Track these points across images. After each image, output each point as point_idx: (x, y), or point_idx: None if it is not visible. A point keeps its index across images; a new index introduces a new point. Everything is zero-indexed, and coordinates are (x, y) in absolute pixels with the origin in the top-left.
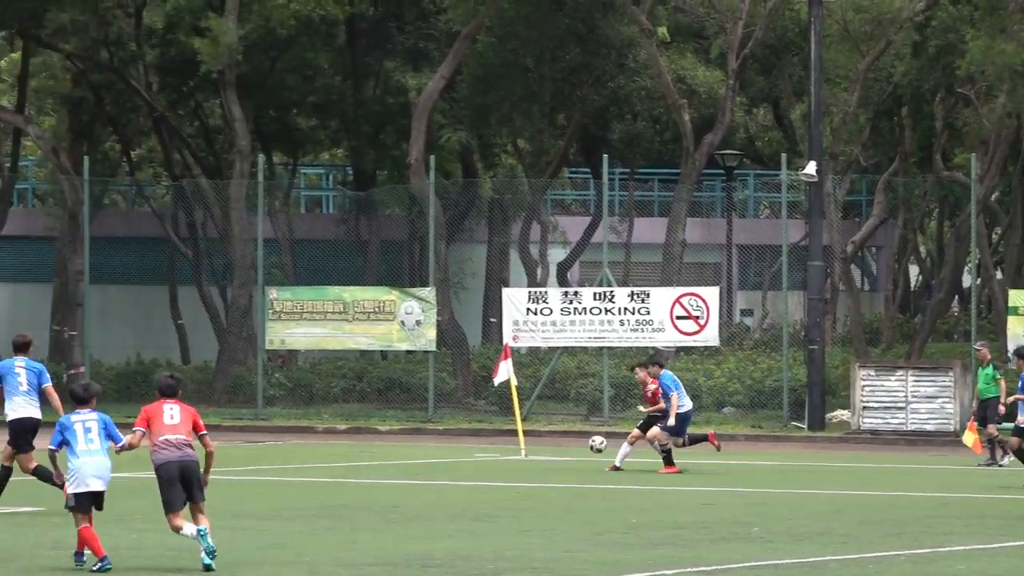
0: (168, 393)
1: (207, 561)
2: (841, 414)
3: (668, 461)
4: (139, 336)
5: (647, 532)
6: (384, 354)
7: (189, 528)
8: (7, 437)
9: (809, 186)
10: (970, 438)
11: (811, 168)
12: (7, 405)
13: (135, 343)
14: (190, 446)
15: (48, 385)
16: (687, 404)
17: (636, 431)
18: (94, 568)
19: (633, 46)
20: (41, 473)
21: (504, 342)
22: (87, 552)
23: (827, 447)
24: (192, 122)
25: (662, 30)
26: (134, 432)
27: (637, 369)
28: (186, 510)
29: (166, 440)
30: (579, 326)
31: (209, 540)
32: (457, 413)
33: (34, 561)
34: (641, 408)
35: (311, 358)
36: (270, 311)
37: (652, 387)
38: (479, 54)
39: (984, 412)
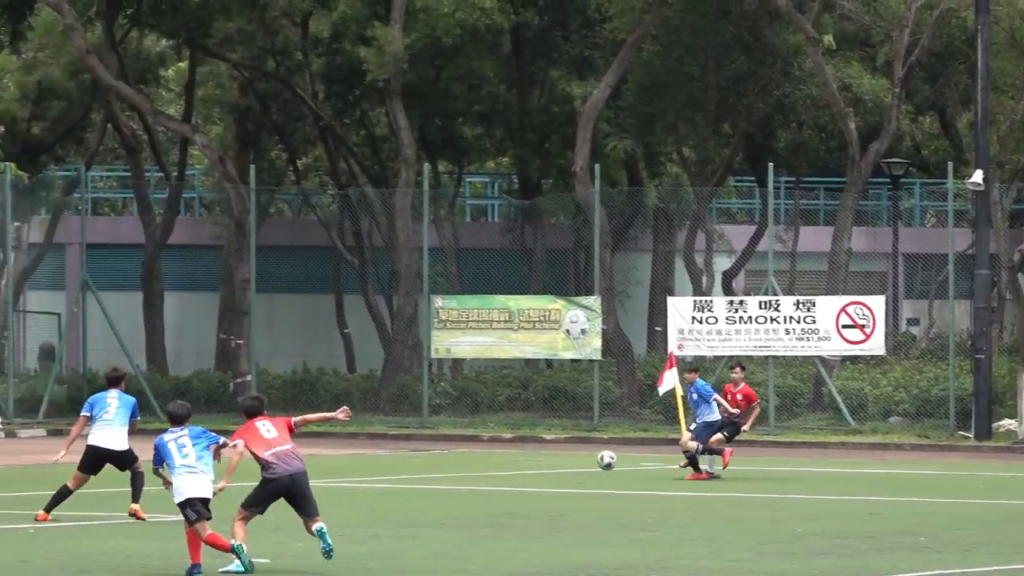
0: (255, 413)
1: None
2: (1008, 423)
3: (695, 467)
4: (305, 345)
5: (812, 541)
6: (549, 363)
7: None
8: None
9: (976, 195)
10: None
11: (978, 176)
12: (92, 432)
13: (301, 352)
14: (298, 457)
15: (136, 420)
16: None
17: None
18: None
19: (799, 54)
20: None
21: (669, 351)
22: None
23: (993, 456)
24: (358, 131)
25: (828, 38)
26: (235, 445)
27: (738, 369)
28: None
29: (274, 454)
30: (744, 335)
31: (328, 539)
32: (622, 422)
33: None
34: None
35: (476, 367)
36: (435, 320)
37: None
38: (644, 62)
39: None
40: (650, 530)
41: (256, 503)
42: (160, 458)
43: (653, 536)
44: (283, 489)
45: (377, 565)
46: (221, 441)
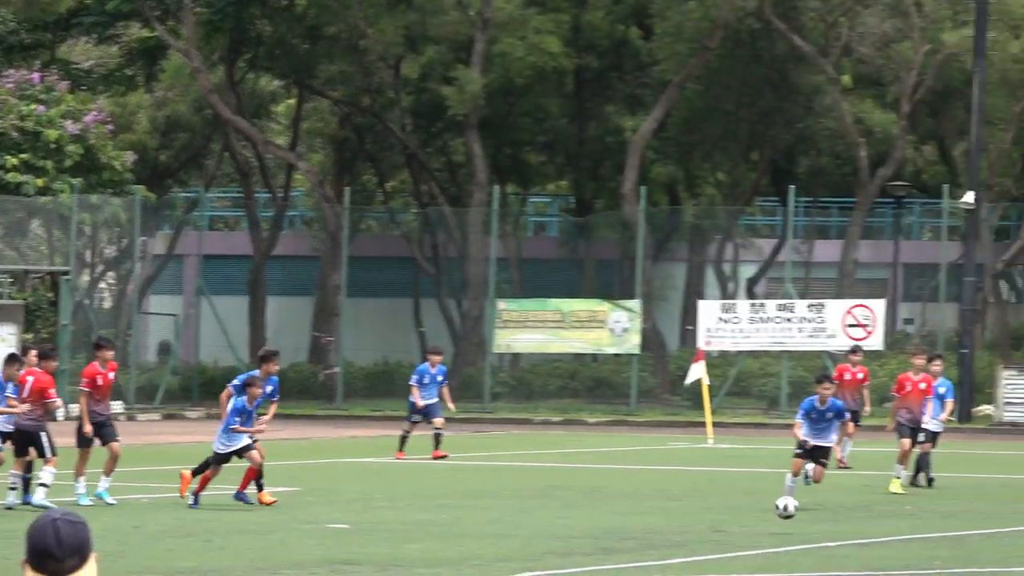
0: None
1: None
2: (986, 409)
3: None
4: (386, 342)
5: (814, 510)
6: (594, 357)
7: None
8: None
9: (967, 213)
10: None
11: (969, 197)
12: None
13: (383, 348)
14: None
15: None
16: None
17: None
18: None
19: (819, 92)
20: None
21: (698, 346)
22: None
23: (973, 437)
24: (438, 158)
25: (846, 78)
26: None
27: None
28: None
29: None
30: (763, 333)
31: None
32: (655, 407)
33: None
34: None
35: (532, 360)
36: (498, 320)
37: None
38: (687, 99)
39: None
40: (676, 499)
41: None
42: None
43: (678, 505)
44: None
45: (440, 530)
46: None
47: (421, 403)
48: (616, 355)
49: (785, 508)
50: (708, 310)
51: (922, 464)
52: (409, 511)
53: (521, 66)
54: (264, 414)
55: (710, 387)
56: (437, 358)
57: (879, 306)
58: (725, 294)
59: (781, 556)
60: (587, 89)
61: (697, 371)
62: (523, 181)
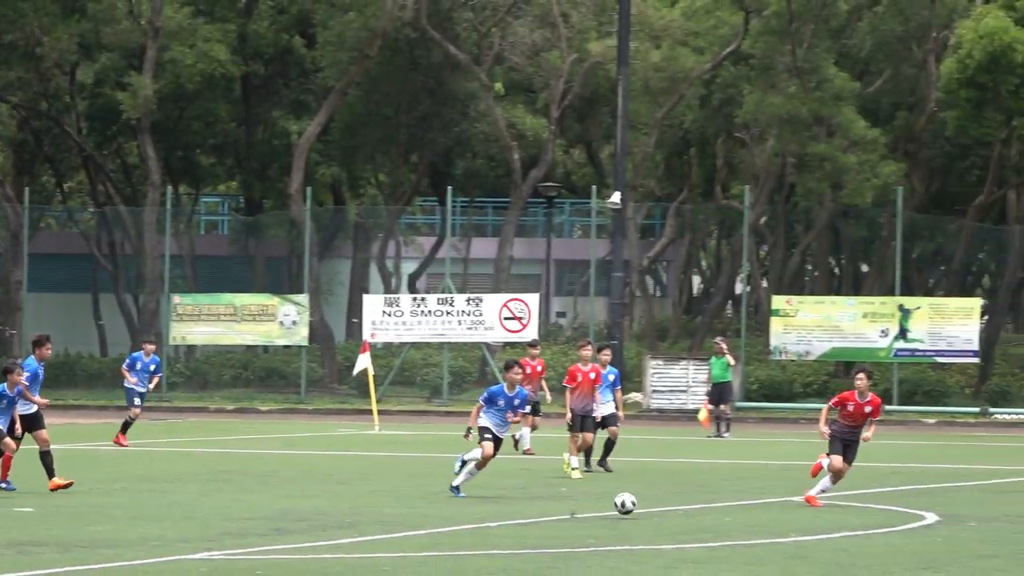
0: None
1: None
2: (635, 396)
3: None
4: (67, 335)
5: (478, 491)
6: (266, 348)
7: None
8: None
9: (614, 212)
10: (703, 414)
11: (616, 197)
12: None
13: (64, 340)
14: None
15: None
16: None
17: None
18: None
19: (474, 98)
20: None
21: (364, 338)
22: None
23: (623, 424)
24: (114, 160)
25: (498, 85)
26: None
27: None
28: None
29: None
30: (425, 325)
31: None
32: (324, 396)
33: None
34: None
35: (206, 351)
36: (174, 313)
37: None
38: (349, 105)
39: (719, 394)
40: (344, 483)
41: None
42: None
43: (347, 488)
44: None
45: (122, 513)
46: None
47: (140, 388)
48: (286, 346)
49: (623, 504)
50: (372, 304)
51: (608, 448)
52: (91, 495)
53: (191, 72)
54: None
55: (375, 377)
56: (151, 347)
57: (533, 300)
58: (388, 289)
59: (445, 535)
60: (254, 95)
61: (363, 361)
62: (195, 182)
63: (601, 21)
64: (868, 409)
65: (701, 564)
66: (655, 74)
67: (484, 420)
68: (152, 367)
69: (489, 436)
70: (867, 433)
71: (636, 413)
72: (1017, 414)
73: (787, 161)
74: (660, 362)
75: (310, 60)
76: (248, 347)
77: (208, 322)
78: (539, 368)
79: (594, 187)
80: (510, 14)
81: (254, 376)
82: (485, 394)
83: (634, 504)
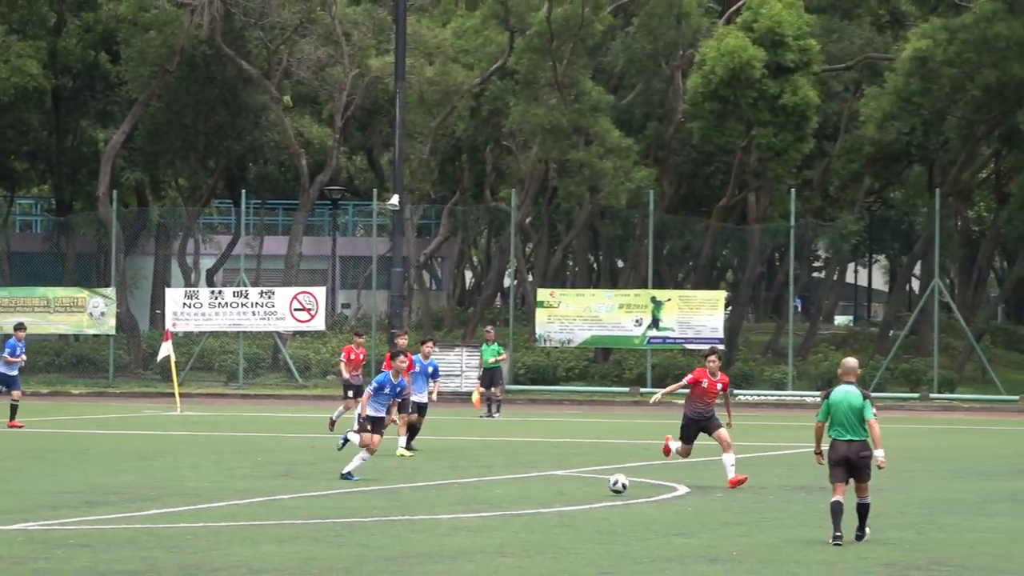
0: None
1: None
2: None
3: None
4: None
5: (270, 467)
6: (77, 337)
7: None
8: None
9: (393, 213)
10: (475, 396)
11: (395, 200)
12: None
13: None
14: None
15: None
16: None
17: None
18: None
19: (265, 109)
20: None
21: (166, 328)
22: None
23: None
24: None
25: (287, 98)
26: None
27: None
28: None
29: None
30: (222, 316)
31: None
32: (131, 380)
33: None
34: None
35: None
36: None
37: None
38: (151, 115)
39: (490, 378)
40: (150, 459)
41: None
42: None
43: (152, 464)
44: None
45: None
46: None
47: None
48: (95, 335)
49: (616, 483)
50: (174, 297)
51: (413, 432)
52: None
53: (5, 86)
54: None
55: (177, 363)
56: (22, 333)
57: (321, 293)
58: (188, 283)
59: (242, 507)
60: (64, 106)
61: (166, 349)
62: (10, 185)
63: (380, 39)
64: (719, 386)
65: (475, 532)
66: (429, 88)
67: (371, 408)
68: (21, 352)
69: (372, 426)
70: (729, 421)
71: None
72: (758, 395)
73: (549, 167)
74: (436, 349)
75: (115, 74)
76: (60, 336)
77: (23, 313)
78: (362, 356)
79: (375, 190)
80: (297, 33)
81: (66, 362)
82: (374, 384)
83: (625, 487)
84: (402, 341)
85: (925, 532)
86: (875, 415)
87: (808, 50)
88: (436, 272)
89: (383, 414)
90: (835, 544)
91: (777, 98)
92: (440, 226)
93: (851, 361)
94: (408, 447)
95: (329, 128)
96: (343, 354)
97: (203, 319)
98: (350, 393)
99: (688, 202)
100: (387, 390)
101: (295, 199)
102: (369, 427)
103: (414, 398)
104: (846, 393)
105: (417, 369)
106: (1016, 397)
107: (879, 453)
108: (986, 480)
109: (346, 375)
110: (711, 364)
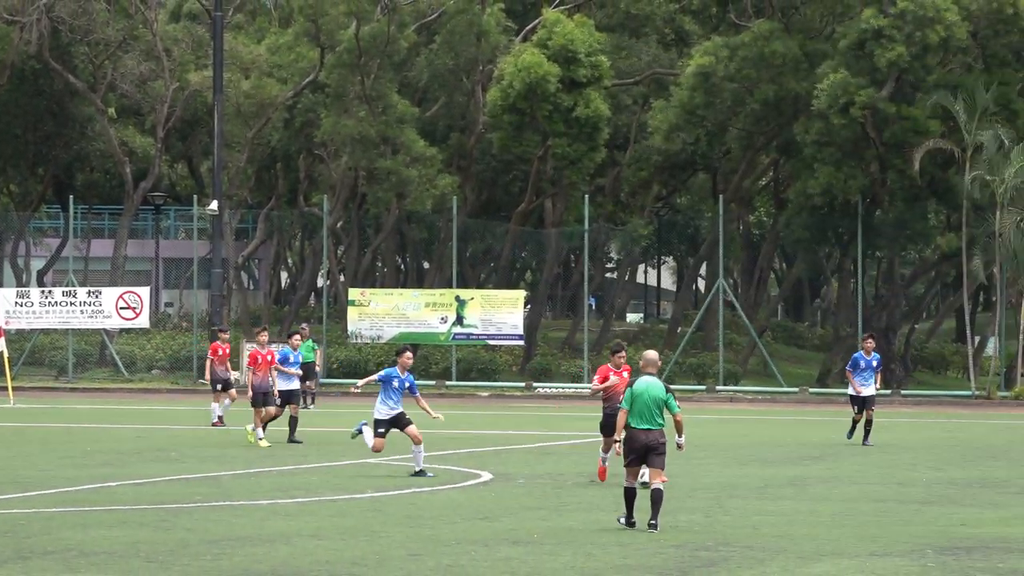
0: None
1: None
2: (235, 374)
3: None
4: None
5: (99, 456)
6: None
7: None
8: None
9: (212, 217)
10: None
11: (214, 205)
12: None
13: None
14: None
15: None
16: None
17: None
18: None
19: (91, 120)
20: None
21: None
22: None
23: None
24: None
25: (111, 110)
26: None
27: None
28: None
29: None
30: (52, 314)
31: None
32: None
33: None
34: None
35: None
36: None
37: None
38: None
39: (305, 372)
40: None
41: None
42: None
43: None
44: None
45: None
46: None
47: None
48: None
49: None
50: (6, 296)
51: (293, 424)
52: None
53: None
54: None
55: (10, 358)
56: None
57: (145, 292)
58: (20, 283)
59: (72, 494)
60: None
61: None
62: None
63: (199, 55)
64: (626, 374)
65: (292, 516)
66: (246, 100)
67: (378, 407)
68: None
69: (382, 431)
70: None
71: (237, 389)
72: (556, 388)
73: (359, 174)
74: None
75: None
76: None
77: None
78: (269, 358)
79: (195, 196)
80: (121, 49)
81: None
82: (382, 373)
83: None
84: (262, 337)
85: (713, 515)
86: (679, 409)
87: (599, 66)
88: (254, 273)
89: (399, 410)
90: (627, 527)
91: (571, 111)
92: (257, 230)
93: (652, 354)
94: (291, 439)
95: (152, 138)
96: (210, 351)
97: (34, 317)
98: (219, 387)
99: (489, 207)
100: (395, 384)
101: (120, 204)
102: (382, 430)
103: (285, 387)
104: (648, 384)
105: (292, 360)
106: (795, 389)
107: (680, 439)
108: (768, 466)
109: (218, 371)
110: (619, 359)
